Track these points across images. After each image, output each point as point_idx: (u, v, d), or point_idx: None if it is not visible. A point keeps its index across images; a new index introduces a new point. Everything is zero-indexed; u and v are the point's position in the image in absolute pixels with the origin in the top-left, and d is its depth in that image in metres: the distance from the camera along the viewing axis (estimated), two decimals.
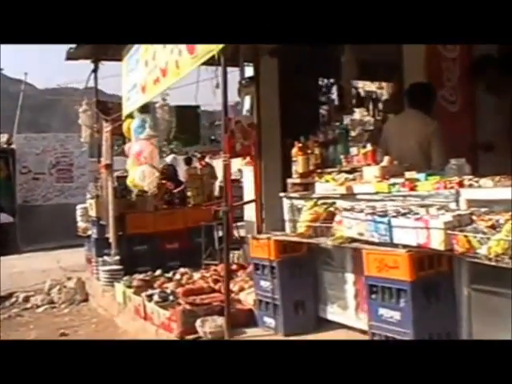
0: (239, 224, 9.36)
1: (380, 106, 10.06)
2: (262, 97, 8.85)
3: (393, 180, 4.52)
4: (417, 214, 3.90)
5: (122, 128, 8.94)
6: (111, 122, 9.01)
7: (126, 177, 9.18)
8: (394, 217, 3.92)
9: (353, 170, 5.24)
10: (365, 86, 10.77)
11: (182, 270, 7.72)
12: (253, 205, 7.88)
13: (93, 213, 9.39)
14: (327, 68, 9.15)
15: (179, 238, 9.47)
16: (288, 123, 9.06)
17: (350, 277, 4.98)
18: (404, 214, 3.92)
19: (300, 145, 5.72)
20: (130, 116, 8.43)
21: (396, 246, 3.91)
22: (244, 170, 9.57)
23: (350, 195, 4.83)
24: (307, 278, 5.33)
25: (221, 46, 5.06)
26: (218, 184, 12.38)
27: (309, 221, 4.82)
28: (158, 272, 7.82)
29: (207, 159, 15.63)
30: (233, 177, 14.85)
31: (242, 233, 9.32)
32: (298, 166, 5.71)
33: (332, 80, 9.95)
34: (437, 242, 3.58)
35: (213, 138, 18.57)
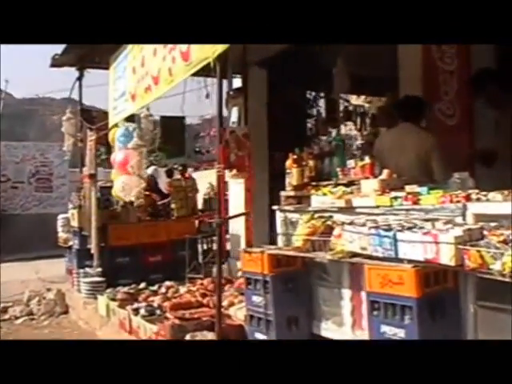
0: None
1: (367, 120, 10.00)
2: (249, 108, 8.76)
3: (394, 193, 4.40)
4: (422, 228, 3.79)
5: (107, 137, 8.81)
6: (96, 130, 8.84)
7: (109, 187, 9.05)
8: (399, 231, 3.79)
9: (350, 183, 5.12)
10: (352, 100, 10.72)
11: (167, 283, 7.55)
12: (239, 218, 7.76)
13: (75, 223, 9.19)
14: (316, 80, 9.10)
15: (162, 250, 9.30)
16: (276, 136, 8.99)
17: (346, 292, 4.83)
18: (410, 228, 3.80)
19: (294, 156, 5.60)
20: (117, 125, 8.28)
21: (400, 260, 3.79)
22: (230, 183, 9.44)
23: (348, 208, 4.71)
24: (301, 293, 5.16)
25: (216, 53, 4.93)
26: (202, 197, 12.25)
27: (306, 234, 4.68)
28: (143, 285, 7.64)
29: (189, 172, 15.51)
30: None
31: (227, 246, 9.21)
32: (291, 179, 5.59)
33: (320, 93, 9.89)
34: (447, 257, 3.45)
35: (197, 149, 18.41)
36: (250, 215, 5.86)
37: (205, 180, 14.40)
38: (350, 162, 5.24)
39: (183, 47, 5.56)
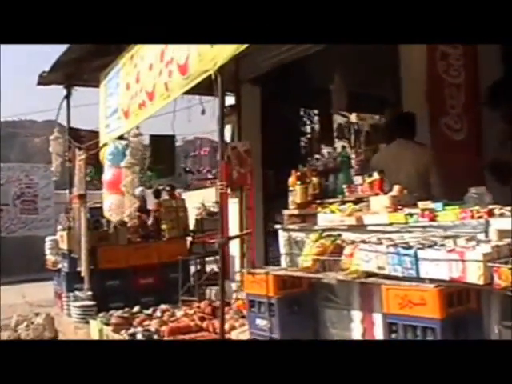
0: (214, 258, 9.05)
1: (362, 137, 9.87)
2: (243, 126, 8.58)
3: (408, 210, 4.22)
4: (443, 245, 3.61)
5: (96, 157, 8.59)
6: (85, 150, 8.60)
7: (98, 208, 8.83)
8: (420, 249, 3.60)
9: (358, 201, 4.93)
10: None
11: (162, 306, 7.27)
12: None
13: (64, 245, 8.92)
14: (311, 97, 8.98)
15: (154, 272, 9.10)
16: (270, 153, 8.81)
17: (356, 314, 4.61)
18: (430, 246, 3.61)
19: (298, 173, 5.40)
20: (107, 144, 8.06)
21: (420, 280, 3.59)
22: None
23: (358, 226, 4.51)
24: (308, 315, 4.95)
25: (218, 65, 4.75)
26: (194, 217, 11.99)
27: (315, 254, 4.47)
28: (136, 308, 7.36)
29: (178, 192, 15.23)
30: (212, 209, 14.55)
31: (216, 268, 8.98)
32: (295, 196, 5.37)
33: (314, 110, 9.76)
34: (474, 276, 3.26)
35: (187, 169, 18.17)
36: (252, 235, 5.64)
37: (194, 200, 14.19)
38: (358, 179, 5.04)
39: (181, 60, 5.36)
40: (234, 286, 7.72)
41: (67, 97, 9.50)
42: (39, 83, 9.16)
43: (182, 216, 10.01)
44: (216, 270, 8.99)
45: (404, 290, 3.67)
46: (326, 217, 4.83)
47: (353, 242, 4.38)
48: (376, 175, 4.89)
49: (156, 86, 5.96)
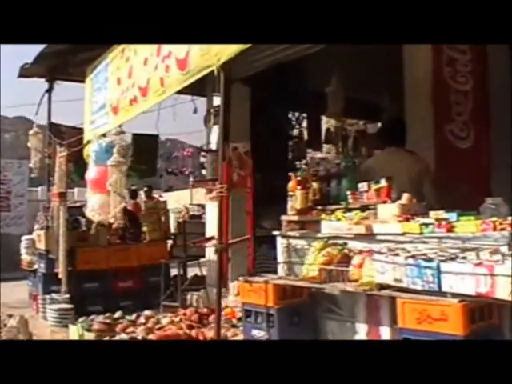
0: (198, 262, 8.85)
1: (349, 143, 9.69)
2: (232, 128, 8.33)
3: (422, 220, 4.02)
4: (464, 258, 3.42)
5: (78, 154, 8.29)
6: (67, 147, 8.28)
7: (78, 207, 8.57)
8: (443, 261, 3.40)
9: (363, 208, 4.71)
10: (332, 122, 10.38)
11: (146, 312, 6.94)
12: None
13: (41, 245, 8.57)
14: (302, 100, 8.79)
15: (133, 275, 8.84)
16: (257, 156, 8.57)
17: (361, 327, 4.39)
18: (453, 259, 3.42)
19: (298, 178, 5.17)
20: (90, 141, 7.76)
21: (441, 294, 3.39)
22: (208, 206, 9.00)
23: (367, 235, 4.30)
24: (309, 326, 4.72)
25: (222, 60, 4.53)
26: (177, 219, 11.72)
27: (322, 263, 4.25)
28: (118, 314, 7.04)
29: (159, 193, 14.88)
30: (192, 212, 14.29)
31: (199, 272, 8.78)
32: (295, 202, 5.13)
33: (304, 113, 9.56)
34: (505, 292, 3.07)
35: (169, 170, 17.82)
36: (251, 240, 5.39)
37: (169, 201, 13.90)
38: (363, 185, 4.81)
39: (180, 54, 5.11)
40: None
41: (49, 91, 9.17)
42: (20, 75, 8.81)
43: (163, 218, 9.76)
44: (198, 274, 8.79)
45: (423, 304, 3.47)
46: (332, 224, 4.61)
47: (360, 252, 4.18)
48: (383, 182, 4.68)
49: (150, 81, 5.69)
